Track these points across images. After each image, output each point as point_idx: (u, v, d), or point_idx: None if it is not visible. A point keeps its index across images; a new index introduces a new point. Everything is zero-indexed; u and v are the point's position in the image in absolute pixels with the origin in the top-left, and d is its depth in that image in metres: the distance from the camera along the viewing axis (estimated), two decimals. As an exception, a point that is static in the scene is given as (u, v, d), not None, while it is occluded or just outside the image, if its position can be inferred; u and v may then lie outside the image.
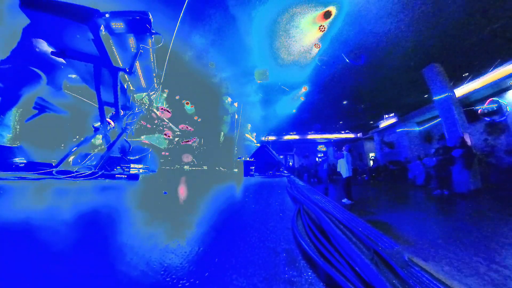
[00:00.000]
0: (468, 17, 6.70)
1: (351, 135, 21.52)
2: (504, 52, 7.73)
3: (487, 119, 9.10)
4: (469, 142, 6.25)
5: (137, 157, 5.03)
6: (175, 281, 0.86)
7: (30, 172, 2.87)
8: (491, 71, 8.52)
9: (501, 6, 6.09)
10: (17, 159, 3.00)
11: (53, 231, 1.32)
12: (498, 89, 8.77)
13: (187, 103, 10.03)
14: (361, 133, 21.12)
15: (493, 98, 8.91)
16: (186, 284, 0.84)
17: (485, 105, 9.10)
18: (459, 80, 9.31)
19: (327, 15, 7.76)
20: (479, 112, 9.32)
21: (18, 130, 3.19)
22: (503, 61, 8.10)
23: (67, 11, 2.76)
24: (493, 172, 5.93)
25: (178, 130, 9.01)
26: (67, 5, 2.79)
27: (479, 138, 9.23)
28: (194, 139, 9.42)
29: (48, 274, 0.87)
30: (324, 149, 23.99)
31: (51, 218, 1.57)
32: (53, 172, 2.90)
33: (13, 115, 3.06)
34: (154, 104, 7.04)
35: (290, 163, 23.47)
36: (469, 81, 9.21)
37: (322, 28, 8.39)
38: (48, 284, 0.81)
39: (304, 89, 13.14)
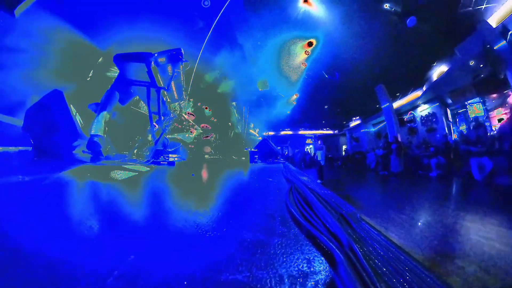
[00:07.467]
0: (397, 53, 7.32)
1: (330, 132, 21.25)
2: (415, 82, 8.87)
3: (408, 125, 10.82)
4: (399, 139, 7.03)
5: (172, 149, 5.16)
6: (204, 232, 0.94)
7: (116, 160, 3.36)
8: (409, 93, 9.81)
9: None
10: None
11: (130, 195, 1.42)
12: (413, 105, 10.29)
13: (206, 108, 10.05)
14: (337, 130, 20.88)
15: (411, 112, 10.68)
16: (212, 235, 0.93)
17: (407, 115, 10.91)
18: (395, 98, 10.69)
19: (310, 44, 8.69)
20: (404, 120, 10.93)
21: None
22: (414, 88, 9.37)
23: (134, 57, 3.51)
24: (408, 160, 6.77)
25: (200, 128, 9.07)
26: (135, 54, 3.53)
27: (404, 137, 10.28)
28: (212, 135, 9.47)
29: (116, 221, 0.95)
30: (311, 142, 23.58)
31: (133, 187, 1.67)
32: (126, 160, 3.51)
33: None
34: (183, 110, 7.10)
35: (286, 153, 23.30)
36: (399, 99, 10.72)
37: (307, 53, 9.23)
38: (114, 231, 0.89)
39: (295, 96, 12.94)
